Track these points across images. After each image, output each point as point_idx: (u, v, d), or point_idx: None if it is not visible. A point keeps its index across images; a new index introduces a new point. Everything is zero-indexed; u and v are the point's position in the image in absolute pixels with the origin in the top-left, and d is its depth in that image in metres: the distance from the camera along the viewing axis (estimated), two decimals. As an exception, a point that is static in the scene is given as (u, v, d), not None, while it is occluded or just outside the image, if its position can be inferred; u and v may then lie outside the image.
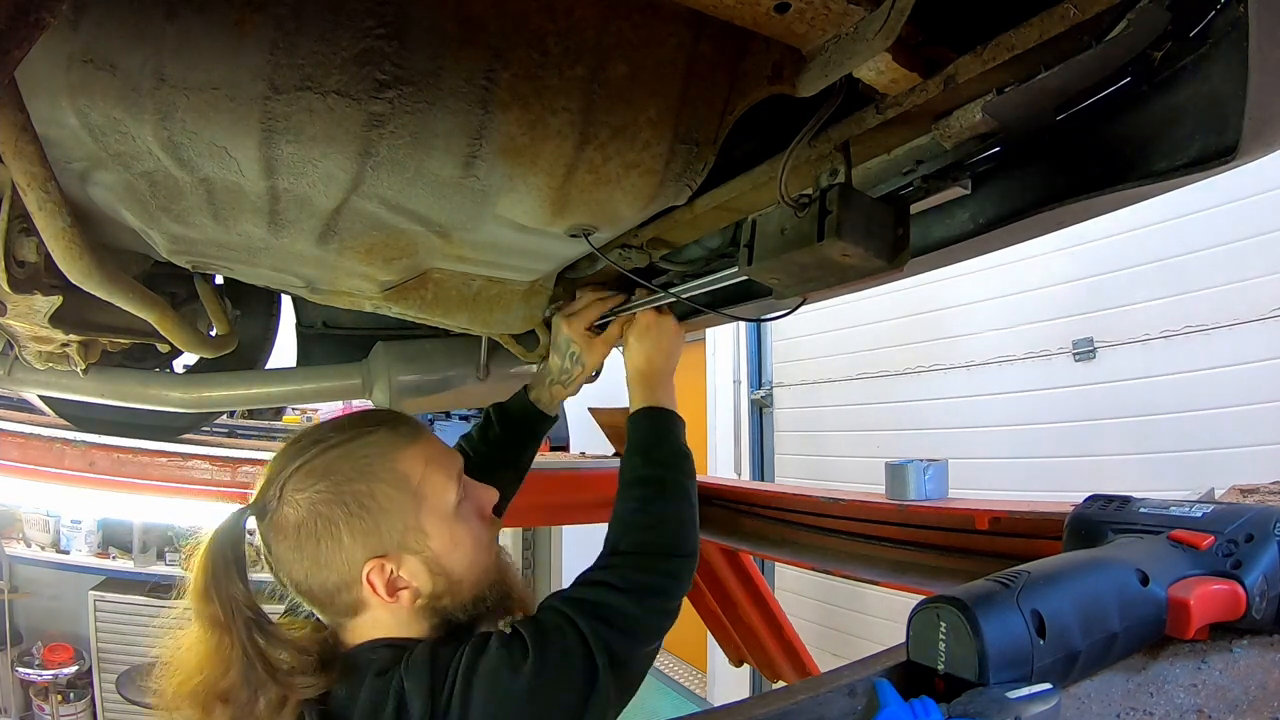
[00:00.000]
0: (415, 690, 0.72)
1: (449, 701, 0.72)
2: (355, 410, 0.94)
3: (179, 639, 0.79)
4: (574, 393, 1.29)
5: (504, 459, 1.23)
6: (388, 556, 0.78)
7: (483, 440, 1.25)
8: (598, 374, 1.31)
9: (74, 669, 4.48)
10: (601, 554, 0.92)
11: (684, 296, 1.08)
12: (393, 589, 0.79)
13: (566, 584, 0.90)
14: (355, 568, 0.78)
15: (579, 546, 5.43)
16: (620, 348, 1.22)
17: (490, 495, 0.91)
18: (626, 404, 1.13)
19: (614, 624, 0.81)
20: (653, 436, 1.06)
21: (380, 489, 0.79)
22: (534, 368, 1.69)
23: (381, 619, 0.81)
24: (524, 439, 1.27)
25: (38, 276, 1.06)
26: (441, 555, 0.81)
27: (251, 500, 0.82)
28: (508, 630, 0.78)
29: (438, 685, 0.72)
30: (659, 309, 1.19)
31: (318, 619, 0.84)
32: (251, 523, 0.81)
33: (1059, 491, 2.81)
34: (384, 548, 0.78)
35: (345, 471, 0.79)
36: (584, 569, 0.91)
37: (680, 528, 0.95)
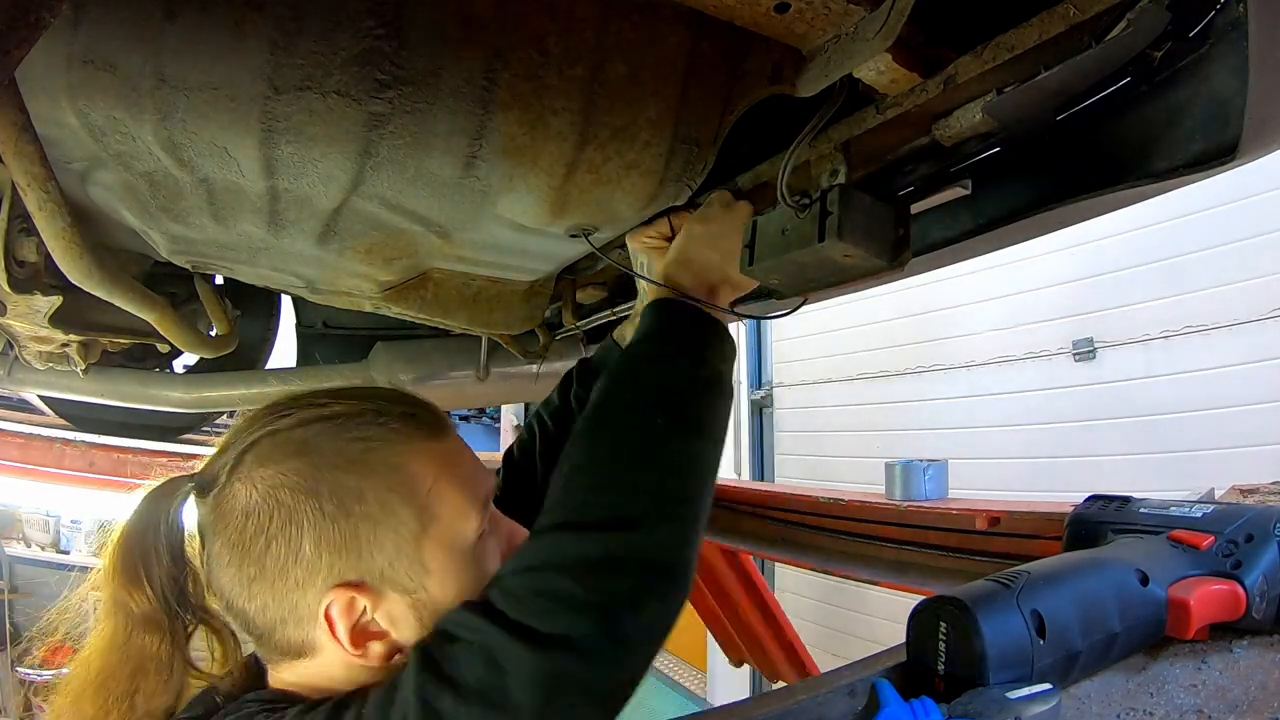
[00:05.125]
0: None
1: None
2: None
3: (93, 631, 0.62)
4: None
5: None
6: (363, 588, 0.55)
7: (564, 401, 0.92)
8: None
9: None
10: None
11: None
12: (360, 637, 0.55)
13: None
14: (313, 595, 0.54)
15: (579, 546, 5.42)
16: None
17: (524, 536, 0.64)
18: None
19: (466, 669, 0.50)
20: (651, 345, 0.68)
21: (375, 489, 0.56)
22: (534, 368, 1.69)
23: (329, 669, 0.57)
24: None
25: (38, 276, 1.06)
26: (441, 604, 0.56)
27: (199, 469, 0.60)
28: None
29: None
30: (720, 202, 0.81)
31: None
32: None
33: (1059, 491, 2.81)
34: (360, 573, 0.55)
35: (331, 453, 0.56)
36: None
37: (659, 504, 0.57)
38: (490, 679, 0.49)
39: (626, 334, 0.93)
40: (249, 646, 0.64)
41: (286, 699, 0.57)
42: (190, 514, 0.61)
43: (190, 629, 0.63)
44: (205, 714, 0.59)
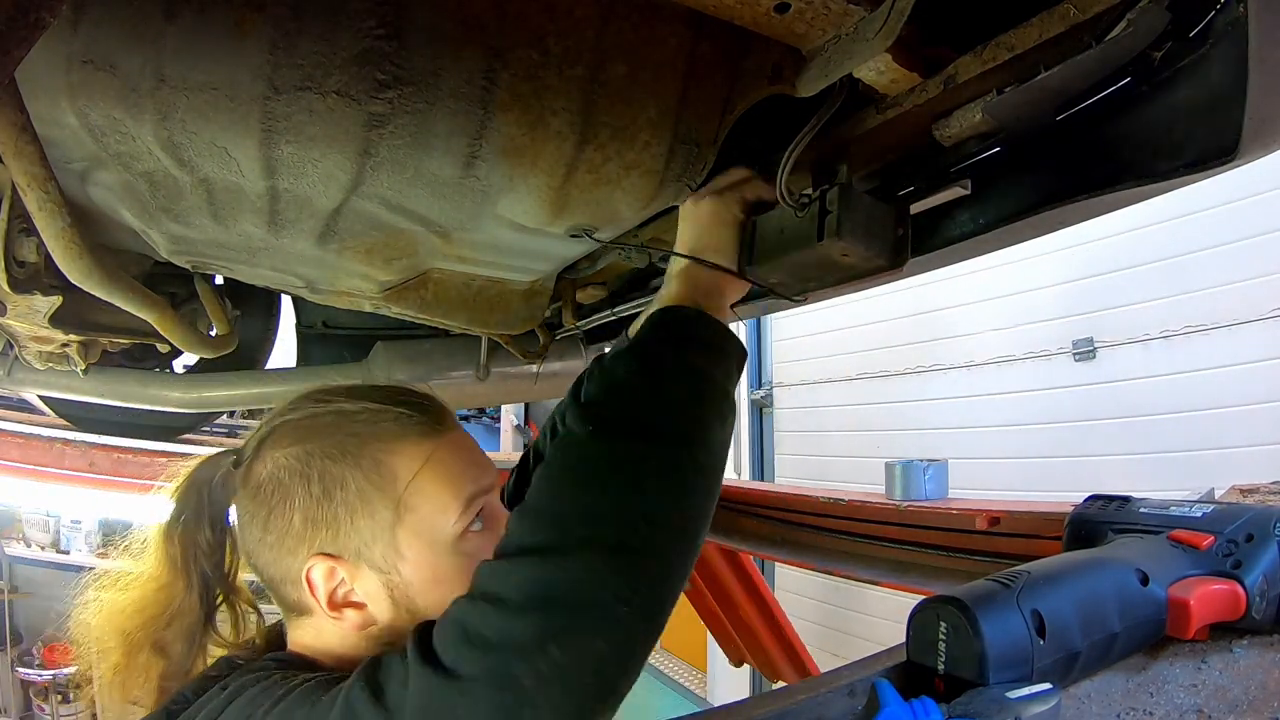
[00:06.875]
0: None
1: None
2: (395, 383, 0.76)
3: (125, 572, 0.70)
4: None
5: None
6: (341, 560, 0.62)
7: (574, 402, 0.81)
8: None
9: (74, 669, 4.48)
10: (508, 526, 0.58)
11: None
12: (337, 602, 0.63)
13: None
14: (300, 560, 0.63)
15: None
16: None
17: None
18: None
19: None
20: (654, 356, 0.65)
21: (356, 480, 0.63)
22: (534, 368, 1.69)
23: (326, 630, 0.65)
24: None
25: (38, 276, 1.06)
26: (414, 586, 0.63)
27: (240, 446, 0.71)
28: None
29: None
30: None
31: None
32: None
33: (1059, 491, 2.81)
34: (339, 548, 0.62)
35: (326, 443, 0.64)
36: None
37: (654, 528, 0.54)
38: (398, 694, 0.50)
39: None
40: (271, 618, 0.75)
41: (301, 661, 0.64)
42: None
43: (218, 600, 0.72)
44: (227, 671, 0.64)
